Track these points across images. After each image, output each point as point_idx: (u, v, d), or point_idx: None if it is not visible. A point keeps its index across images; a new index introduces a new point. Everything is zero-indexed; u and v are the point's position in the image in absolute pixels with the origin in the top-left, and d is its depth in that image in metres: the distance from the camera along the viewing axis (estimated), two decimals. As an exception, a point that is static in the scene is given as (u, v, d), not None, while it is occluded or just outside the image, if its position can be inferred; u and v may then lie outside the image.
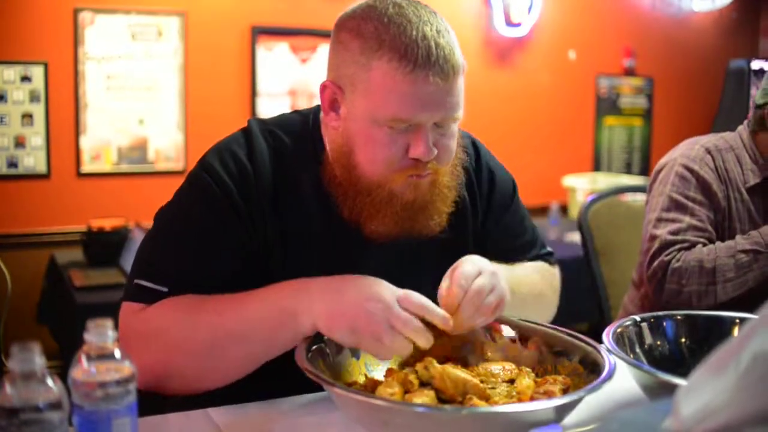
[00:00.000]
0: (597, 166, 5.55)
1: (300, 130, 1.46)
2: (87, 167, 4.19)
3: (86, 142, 4.18)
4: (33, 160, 4.07)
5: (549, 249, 1.72)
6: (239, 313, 1.28)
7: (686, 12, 5.73)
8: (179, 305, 1.30)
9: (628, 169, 5.65)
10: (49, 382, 0.89)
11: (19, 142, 4.03)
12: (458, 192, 1.45)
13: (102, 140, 4.21)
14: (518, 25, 5.05)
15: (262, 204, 1.38)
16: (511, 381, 1.30)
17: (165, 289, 1.31)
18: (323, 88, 1.37)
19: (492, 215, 1.58)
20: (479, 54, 5.08)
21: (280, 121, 1.49)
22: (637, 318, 1.44)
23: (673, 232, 1.98)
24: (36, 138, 4.07)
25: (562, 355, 1.35)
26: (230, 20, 4.41)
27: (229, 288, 1.31)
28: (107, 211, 3.94)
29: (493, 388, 1.27)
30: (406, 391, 1.22)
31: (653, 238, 2.02)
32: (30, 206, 4.09)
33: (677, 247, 1.96)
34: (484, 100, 5.05)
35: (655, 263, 1.98)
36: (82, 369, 0.95)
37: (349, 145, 1.34)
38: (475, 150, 1.61)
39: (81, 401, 0.94)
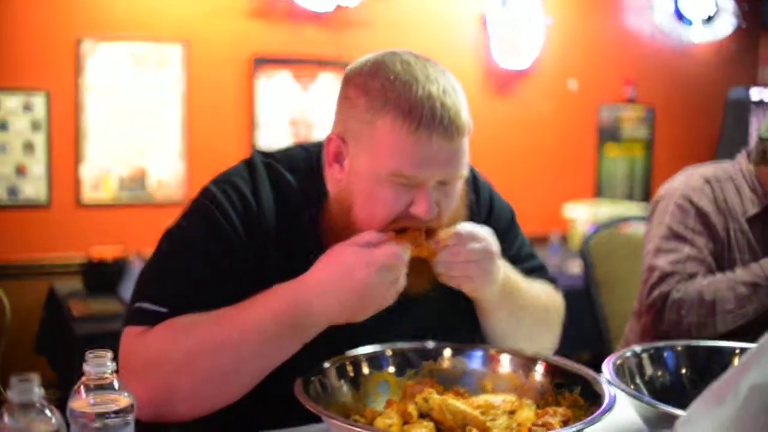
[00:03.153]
0: (598, 196, 5.55)
1: (305, 168, 1.46)
2: (87, 197, 4.20)
3: (87, 172, 4.18)
4: (33, 189, 4.08)
5: (552, 277, 1.72)
6: (243, 322, 1.27)
7: (686, 42, 5.77)
8: (179, 324, 1.29)
9: (629, 199, 5.65)
10: (48, 412, 0.89)
11: (20, 171, 4.04)
12: None
13: (102, 170, 4.22)
14: (519, 56, 5.07)
15: (264, 241, 1.39)
16: (512, 413, 1.30)
17: (165, 310, 1.31)
18: (328, 141, 1.37)
19: None
20: (479, 84, 5.10)
21: (285, 156, 1.49)
22: (637, 349, 1.43)
23: (673, 263, 1.99)
24: (37, 167, 4.08)
25: (563, 386, 1.34)
26: (232, 50, 4.44)
27: None
28: (107, 241, 3.94)
29: (493, 419, 1.27)
30: (405, 423, 1.22)
31: (652, 268, 2.03)
32: (30, 235, 4.09)
33: (677, 278, 1.97)
34: (485, 129, 5.07)
35: (655, 293, 1.98)
36: (81, 400, 0.94)
37: (350, 201, 1.34)
38: (473, 181, 1.61)
39: (79, 431, 0.94)
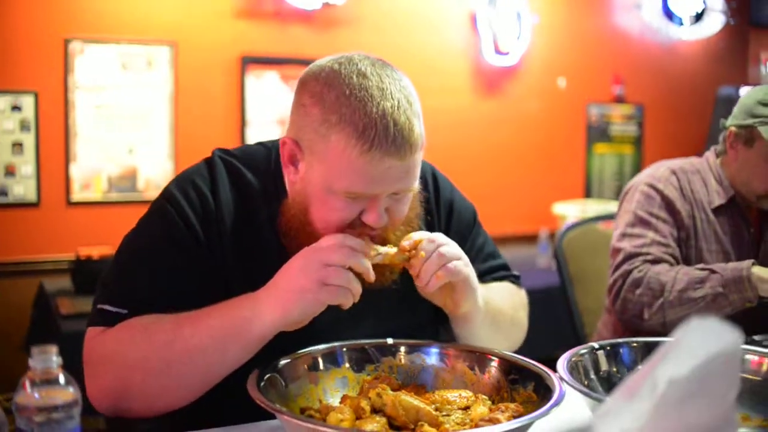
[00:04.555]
0: (588, 194, 5.57)
1: (263, 166, 1.48)
2: (77, 196, 4.22)
3: (76, 171, 4.21)
4: (23, 188, 4.10)
5: (515, 273, 1.74)
6: (194, 328, 1.29)
7: (675, 40, 5.79)
8: (136, 325, 1.32)
9: (618, 197, 5.66)
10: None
11: (9, 171, 4.06)
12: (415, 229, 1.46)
13: (92, 169, 4.24)
14: (507, 54, 5.09)
15: (222, 240, 1.41)
16: (467, 408, 1.32)
17: (125, 311, 1.33)
18: (283, 143, 1.38)
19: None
20: (469, 82, 5.12)
21: (244, 154, 1.51)
22: (595, 345, 1.45)
23: (637, 246, 2.05)
24: (26, 167, 4.10)
25: (518, 382, 1.36)
26: (220, 50, 4.45)
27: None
28: (97, 240, 3.96)
29: (448, 415, 1.28)
30: (358, 418, 1.24)
31: (617, 251, 2.09)
32: (20, 234, 4.11)
33: (641, 259, 2.03)
34: (473, 128, 5.09)
35: (617, 273, 2.05)
36: (26, 394, 0.96)
37: (305, 203, 1.36)
38: (434, 181, 1.63)
39: (25, 426, 0.96)
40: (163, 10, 4.32)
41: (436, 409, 1.28)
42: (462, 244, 1.60)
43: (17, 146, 4.07)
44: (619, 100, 5.64)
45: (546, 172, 5.40)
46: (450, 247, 1.37)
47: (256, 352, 1.30)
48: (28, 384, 0.96)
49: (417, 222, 1.46)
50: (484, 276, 1.63)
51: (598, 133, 5.59)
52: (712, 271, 1.94)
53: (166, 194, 1.44)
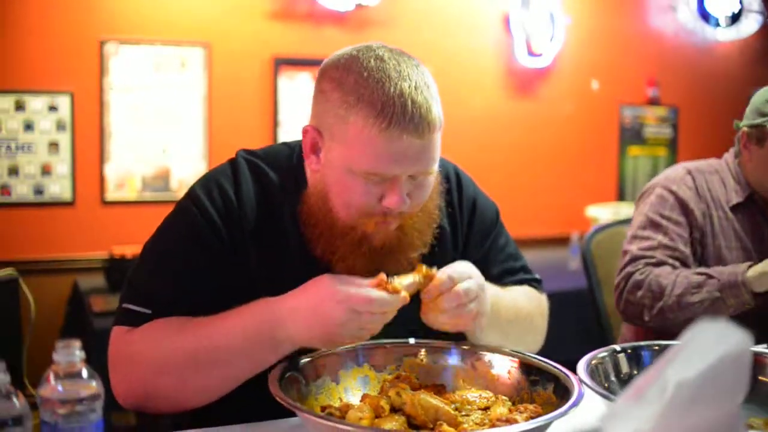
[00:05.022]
0: (621, 197, 5.53)
1: (286, 165, 1.51)
2: (111, 195, 4.28)
3: (111, 171, 4.27)
4: (59, 187, 4.17)
5: (536, 276, 1.74)
6: (218, 332, 1.31)
7: (711, 41, 5.72)
8: (161, 327, 1.35)
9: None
10: (14, 398, 0.94)
11: (46, 170, 4.14)
12: (434, 230, 1.47)
13: (126, 169, 4.30)
14: (540, 55, 5.07)
15: (245, 238, 1.43)
16: (487, 409, 1.32)
17: (149, 312, 1.36)
18: (305, 132, 1.40)
19: (473, 243, 1.60)
20: (501, 84, 5.11)
21: (268, 154, 1.53)
22: (617, 348, 1.45)
23: (643, 249, 2.07)
24: (62, 166, 4.17)
25: (538, 384, 1.36)
26: (252, 51, 4.49)
27: (211, 313, 1.35)
28: (130, 239, 4.01)
29: (467, 415, 1.29)
30: (377, 416, 1.25)
31: (624, 253, 2.12)
32: (55, 233, 4.18)
33: (644, 261, 2.06)
34: (505, 130, 5.08)
35: (621, 275, 2.08)
36: (50, 387, 0.98)
37: (326, 190, 1.38)
38: (457, 179, 1.63)
39: (48, 418, 0.98)
40: (197, 12, 4.37)
41: (456, 409, 1.29)
42: (483, 243, 1.61)
43: (53, 146, 4.14)
44: (654, 102, 5.59)
45: (578, 174, 5.36)
46: (469, 284, 1.35)
47: (279, 359, 1.32)
48: (52, 377, 0.99)
49: (437, 213, 1.47)
50: (503, 277, 1.63)
51: (632, 135, 5.55)
52: (710, 276, 1.96)
53: (191, 195, 1.46)
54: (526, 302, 1.63)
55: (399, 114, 1.28)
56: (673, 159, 5.71)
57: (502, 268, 1.63)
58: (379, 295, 1.27)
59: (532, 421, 1.16)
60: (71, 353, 0.99)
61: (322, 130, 1.36)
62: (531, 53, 5.05)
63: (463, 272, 1.36)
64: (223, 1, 4.42)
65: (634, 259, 2.07)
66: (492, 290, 1.48)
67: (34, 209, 4.13)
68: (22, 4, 4.02)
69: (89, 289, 3.77)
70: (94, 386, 1.00)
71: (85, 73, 4.17)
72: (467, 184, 1.65)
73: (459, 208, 1.60)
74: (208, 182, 1.47)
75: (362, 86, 1.30)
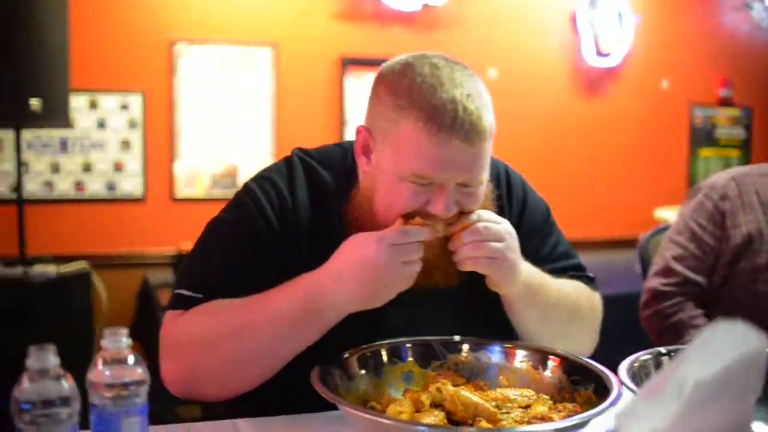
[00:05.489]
0: (691, 199, 5.42)
1: (339, 165, 1.53)
2: (180, 192, 4.39)
3: (180, 168, 4.38)
4: (130, 184, 4.30)
5: (589, 274, 1.72)
6: (261, 309, 1.35)
7: (787, 40, 5.57)
8: (207, 309, 1.38)
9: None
10: (63, 380, 0.99)
11: (118, 168, 4.27)
12: None
13: (195, 167, 4.41)
14: (608, 55, 5.01)
15: (296, 234, 1.46)
16: (528, 407, 1.32)
17: (200, 296, 1.40)
18: (358, 132, 1.43)
19: (522, 240, 1.60)
20: (568, 84, 5.06)
21: (321, 154, 1.56)
22: (662, 350, 1.43)
23: (668, 285, 2.08)
24: (133, 164, 4.30)
25: (579, 383, 1.36)
26: (319, 51, 4.55)
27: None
28: (198, 235, 4.10)
29: (507, 413, 1.29)
30: (417, 411, 1.27)
31: (660, 257, 2.14)
32: (126, 228, 4.31)
33: (669, 303, 2.07)
34: (572, 130, 5.03)
35: (651, 284, 2.12)
36: (98, 371, 1.03)
37: (372, 192, 1.40)
38: (507, 178, 1.63)
39: (95, 401, 1.03)
40: (265, 12, 4.45)
41: (497, 407, 1.30)
42: (533, 241, 1.60)
43: (125, 144, 4.27)
44: (726, 102, 5.46)
45: (647, 175, 5.28)
46: (494, 226, 1.38)
47: (326, 331, 1.35)
48: (100, 362, 1.03)
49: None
50: (553, 274, 1.62)
51: (703, 136, 5.43)
52: None
53: (246, 189, 1.51)
54: (573, 291, 1.61)
55: (449, 120, 1.29)
56: (746, 161, 5.57)
57: (553, 267, 1.61)
58: (410, 226, 1.32)
59: (566, 419, 1.16)
60: (118, 340, 1.04)
61: (374, 132, 1.39)
62: (599, 53, 5.00)
63: (493, 217, 1.39)
64: (291, 2, 4.50)
65: (662, 294, 2.08)
66: (534, 270, 1.49)
67: (107, 205, 4.27)
68: (95, 7, 4.17)
69: (158, 283, 3.88)
70: (140, 372, 1.04)
71: (156, 73, 4.29)
72: (516, 183, 1.65)
73: (508, 207, 1.60)
74: (263, 179, 1.51)
75: (414, 91, 1.32)
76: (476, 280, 1.44)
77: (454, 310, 1.52)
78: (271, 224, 1.45)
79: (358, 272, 1.30)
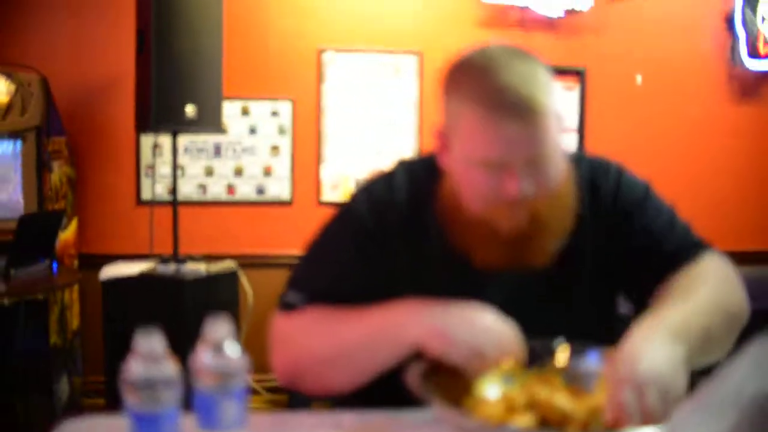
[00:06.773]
0: None
1: (438, 172, 1.58)
2: (327, 196, 4.54)
3: (326, 173, 4.53)
4: (278, 188, 4.49)
5: (701, 242, 1.57)
6: (353, 325, 1.43)
7: None
8: (310, 316, 1.48)
9: None
10: (168, 363, 1.08)
11: (267, 172, 4.48)
12: (572, 218, 1.48)
13: (341, 171, 4.55)
14: (765, 57, 4.77)
15: (395, 239, 1.53)
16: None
17: (304, 299, 1.50)
18: (435, 133, 1.49)
19: (618, 223, 1.55)
20: (721, 88, 4.85)
21: (423, 163, 1.62)
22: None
23: None
24: (282, 168, 4.49)
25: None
26: (463, 59, 4.57)
27: (359, 303, 1.46)
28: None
29: (601, 420, 1.29)
30: (510, 412, 1.28)
31: None
32: (274, 230, 4.51)
33: None
34: (727, 136, 4.81)
35: None
36: (200, 359, 1.12)
37: (457, 186, 1.45)
38: (603, 166, 1.61)
39: (199, 384, 1.12)
40: (410, 20, 4.54)
41: (591, 413, 1.30)
42: (632, 223, 1.55)
43: (275, 149, 4.47)
44: None
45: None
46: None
47: (404, 357, 1.39)
48: (203, 349, 1.12)
49: (573, 200, 1.48)
50: (673, 261, 1.52)
51: None
52: None
53: (352, 198, 1.61)
54: (712, 294, 1.45)
55: (497, 99, 1.32)
56: None
57: (659, 254, 1.53)
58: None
59: (645, 426, 1.15)
60: (219, 329, 1.12)
61: (446, 128, 1.44)
62: (755, 55, 4.76)
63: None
64: (435, 10, 4.56)
65: None
66: (675, 328, 1.32)
67: (256, 207, 4.48)
68: (247, 19, 4.38)
69: (302, 284, 4.02)
70: (238, 359, 1.13)
71: (305, 81, 4.46)
72: (611, 171, 1.59)
73: (601, 198, 1.57)
74: (365, 189, 1.61)
75: (473, 78, 1.36)
76: (561, 267, 1.47)
77: (552, 292, 1.53)
78: (371, 232, 1.53)
79: (451, 324, 1.37)
